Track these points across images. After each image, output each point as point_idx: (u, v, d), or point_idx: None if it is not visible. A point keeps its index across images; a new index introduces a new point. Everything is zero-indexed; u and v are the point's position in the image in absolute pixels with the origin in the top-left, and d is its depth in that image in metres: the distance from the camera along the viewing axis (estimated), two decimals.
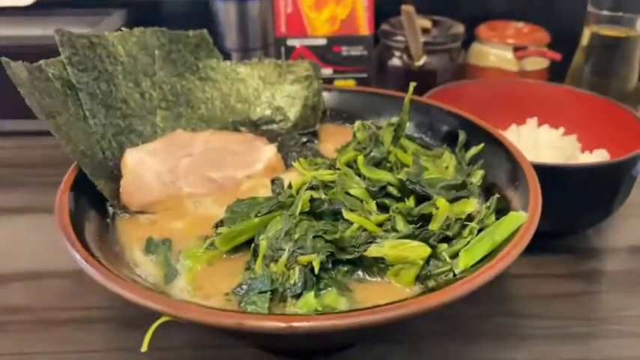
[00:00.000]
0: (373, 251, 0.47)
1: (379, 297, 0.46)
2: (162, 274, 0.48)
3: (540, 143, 0.77)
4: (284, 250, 0.46)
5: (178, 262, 0.50)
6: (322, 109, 0.73)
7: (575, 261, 0.73)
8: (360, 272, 0.48)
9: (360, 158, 0.56)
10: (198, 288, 0.47)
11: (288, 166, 0.65)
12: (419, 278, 0.47)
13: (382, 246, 0.47)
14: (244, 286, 0.45)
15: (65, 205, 0.51)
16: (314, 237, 0.47)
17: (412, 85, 0.62)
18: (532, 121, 0.83)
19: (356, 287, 0.47)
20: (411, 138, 0.69)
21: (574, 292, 0.69)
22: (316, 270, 0.45)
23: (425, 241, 0.47)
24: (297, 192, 0.51)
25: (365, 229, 0.48)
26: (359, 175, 0.56)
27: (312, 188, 0.51)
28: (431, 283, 0.46)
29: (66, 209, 0.50)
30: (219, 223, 0.52)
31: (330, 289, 0.45)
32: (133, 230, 0.54)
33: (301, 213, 0.49)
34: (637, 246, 0.77)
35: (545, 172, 0.63)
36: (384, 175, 0.55)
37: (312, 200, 0.50)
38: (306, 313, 0.43)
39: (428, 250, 0.46)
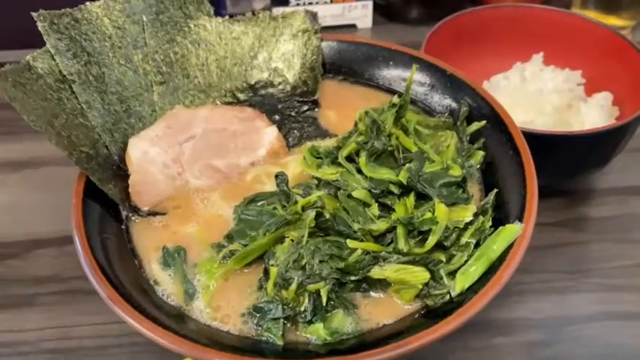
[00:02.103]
0: (377, 273, 0.50)
1: (382, 314, 0.51)
2: (182, 292, 0.52)
3: (545, 89, 0.76)
4: (293, 279, 0.49)
5: (195, 276, 0.54)
6: (321, 71, 0.70)
7: (566, 207, 0.76)
8: (365, 285, 0.52)
9: (362, 160, 0.57)
10: (216, 309, 0.51)
11: (290, 147, 0.65)
12: (418, 296, 0.51)
13: (385, 269, 0.50)
14: (259, 309, 0.50)
15: (81, 226, 0.53)
16: (320, 261, 0.50)
17: (415, 66, 0.60)
18: (537, 58, 0.80)
19: (361, 302, 0.51)
20: (414, 101, 0.68)
21: (562, 242, 0.72)
22: (324, 300, 0.49)
23: (425, 265, 0.50)
24: (303, 209, 0.53)
25: (368, 252, 0.51)
26: (360, 171, 0.57)
27: (316, 207, 0.53)
28: (429, 302, 0.50)
29: (83, 233, 0.52)
30: (230, 235, 0.55)
31: (336, 310, 0.50)
32: (148, 237, 0.57)
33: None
34: (629, 186, 0.78)
35: (546, 140, 0.64)
36: (385, 174, 0.56)
37: (317, 215, 0.52)
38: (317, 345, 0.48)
39: (427, 276, 0.50)
